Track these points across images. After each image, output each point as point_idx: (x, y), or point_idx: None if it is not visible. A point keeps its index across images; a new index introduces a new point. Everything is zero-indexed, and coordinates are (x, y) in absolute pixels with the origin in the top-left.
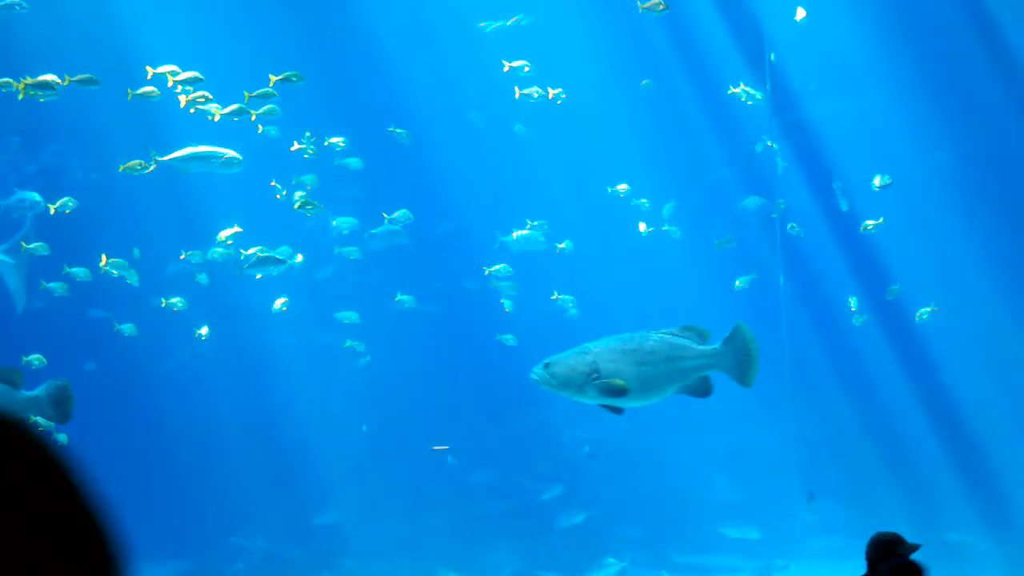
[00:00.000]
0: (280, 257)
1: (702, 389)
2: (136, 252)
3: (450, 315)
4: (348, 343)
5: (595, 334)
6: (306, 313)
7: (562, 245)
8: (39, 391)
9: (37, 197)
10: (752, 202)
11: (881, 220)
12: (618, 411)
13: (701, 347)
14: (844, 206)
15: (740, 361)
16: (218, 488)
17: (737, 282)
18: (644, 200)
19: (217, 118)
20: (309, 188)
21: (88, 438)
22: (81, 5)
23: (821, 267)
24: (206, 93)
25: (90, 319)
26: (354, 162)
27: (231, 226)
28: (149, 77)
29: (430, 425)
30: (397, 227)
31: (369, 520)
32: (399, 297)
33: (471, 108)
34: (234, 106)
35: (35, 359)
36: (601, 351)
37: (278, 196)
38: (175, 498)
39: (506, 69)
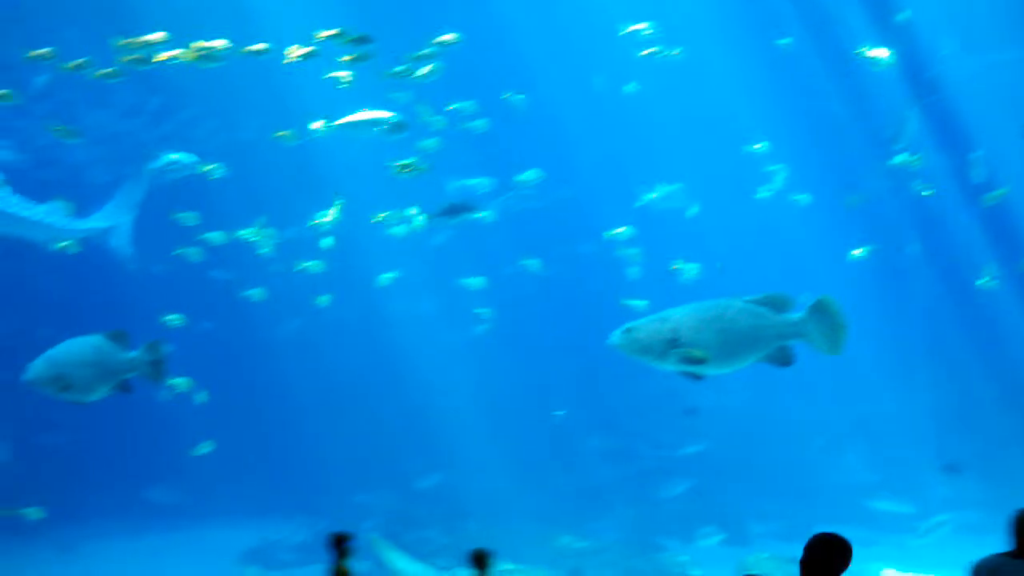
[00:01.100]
0: (469, 206)
1: (783, 358)
2: (262, 220)
3: (568, 280)
4: (475, 310)
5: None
6: (424, 278)
7: (689, 209)
8: (139, 352)
9: (190, 159)
10: (879, 169)
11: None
12: (698, 377)
13: (783, 316)
14: (980, 177)
15: (825, 331)
16: (345, 449)
17: (855, 252)
18: (780, 166)
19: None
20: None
21: (225, 398)
22: None
23: (956, 234)
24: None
25: (211, 281)
26: (480, 124)
27: (344, 195)
28: (293, 56)
29: (549, 390)
30: (528, 189)
31: (489, 483)
32: (524, 262)
33: (593, 72)
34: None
35: (174, 318)
36: (682, 318)
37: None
38: (305, 457)
39: (627, 31)
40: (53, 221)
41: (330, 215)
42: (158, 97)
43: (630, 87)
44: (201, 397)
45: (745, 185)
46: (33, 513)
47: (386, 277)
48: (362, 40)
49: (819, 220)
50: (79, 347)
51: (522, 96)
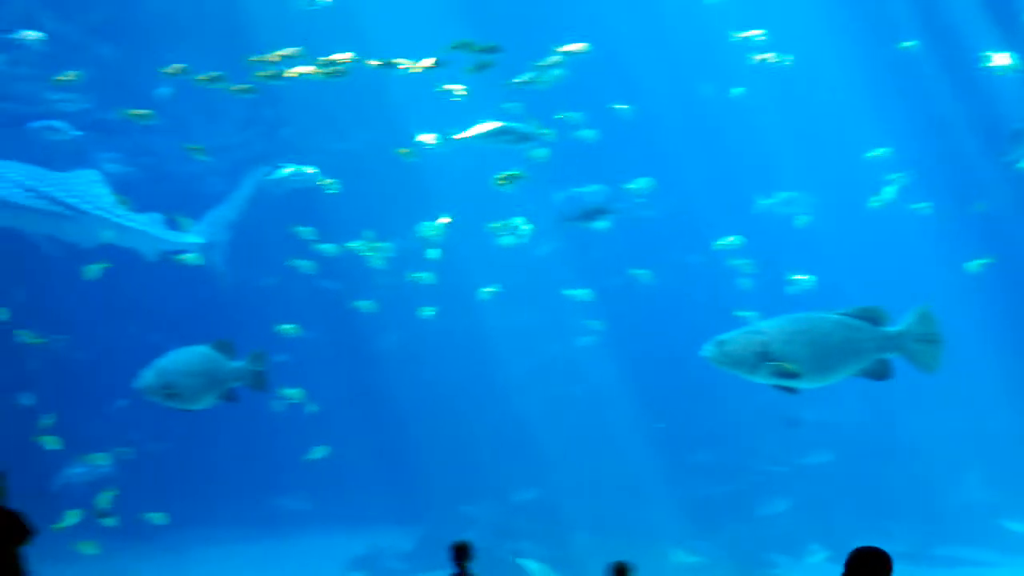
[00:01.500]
0: (605, 208)
1: (880, 372)
2: (370, 233)
3: (674, 290)
4: (582, 321)
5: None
6: (529, 290)
7: (801, 217)
8: (244, 361)
9: (308, 171)
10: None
11: None
12: (792, 391)
13: (879, 329)
14: None
15: (922, 345)
16: (451, 459)
17: (971, 264)
18: (898, 174)
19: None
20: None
21: (336, 408)
22: None
23: None
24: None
25: (319, 291)
26: (588, 134)
27: (449, 206)
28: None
29: (654, 403)
30: (641, 197)
31: (593, 496)
32: (633, 271)
33: (700, 80)
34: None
35: (289, 328)
36: (773, 331)
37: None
38: (413, 467)
39: (739, 38)
40: (154, 232)
41: (436, 227)
42: (271, 109)
43: (738, 90)
44: (311, 407)
45: (860, 193)
46: (156, 518)
47: (488, 290)
48: (491, 50)
49: (937, 229)
50: (187, 357)
51: (628, 106)
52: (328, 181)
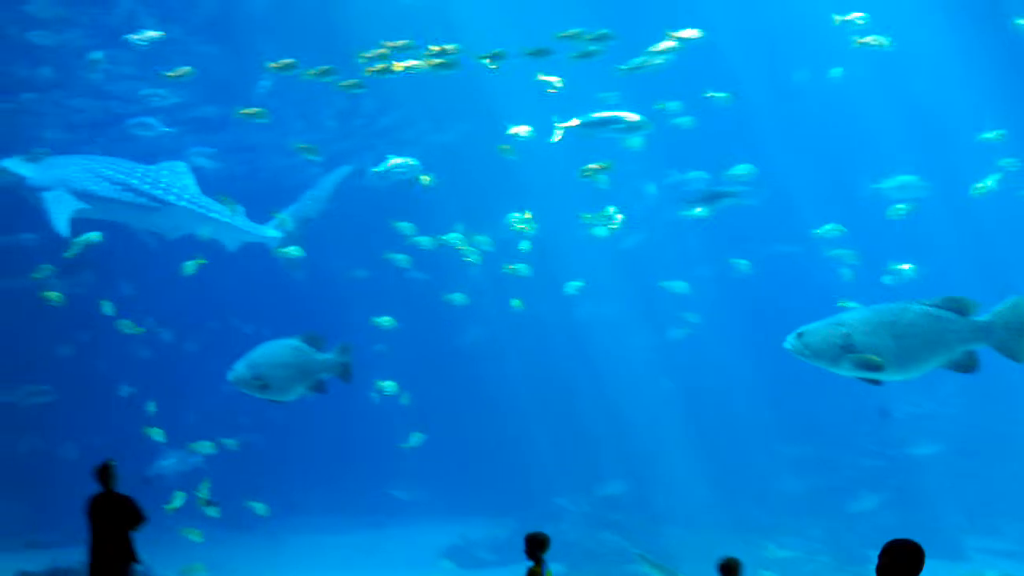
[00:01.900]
0: (729, 192)
1: (967, 364)
2: (461, 226)
3: (767, 281)
4: (678, 313)
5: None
6: (619, 281)
7: (901, 207)
8: (332, 354)
9: (411, 163)
10: None
11: None
12: (876, 383)
13: (966, 320)
14: None
15: (1013, 335)
16: (542, 452)
17: None
18: (1009, 160)
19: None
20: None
21: (430, 400)
22: None
23: None
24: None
25: (410, 283)
26: (685, 122)
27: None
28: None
29: (744, 395)
30: (745, 185)
31: (685, 489)
32: (734, 261)
33: (795, 66)
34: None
35: (383, 321)
36: (856, 323)
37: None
38: (508, 459)
39: (837, 22)
40: (237, 223)
41: (525, 219)
42: (368, 101)
43: (836, 71)
44: (405, 399)
45: (966, 179)
46: (259, 508)
47: (575, 284)
48: (602, 38)
49: None
50: (277, 349)
51: (724, 94)
52: (426, 178)
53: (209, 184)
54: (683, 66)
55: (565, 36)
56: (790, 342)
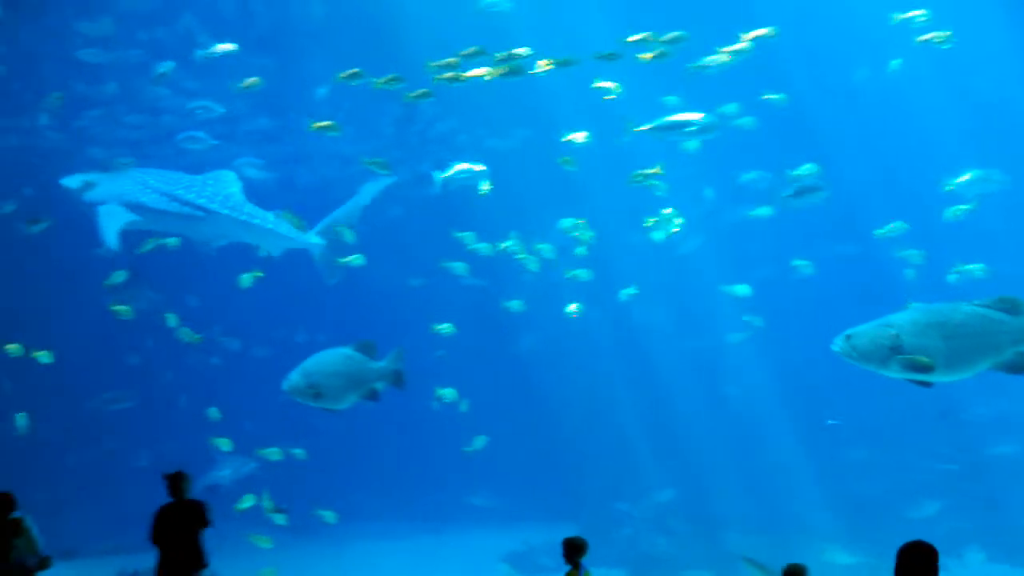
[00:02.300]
0: (816, 186)
1: (1019, 365)
2: (514, 233)
3: (828, 283)
4: (742, 317)
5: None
6: (677, 285)
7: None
8: (385, 362)
9: (476, 168)
10: None
11: None
12: (927, 385)
13: (1018, 320)
14: None
15: None
16: (601, 458)
17: None
18: None
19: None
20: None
21: (488, 406)
22: None
23: None
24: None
25: (466, 290)
26: (747, 122)
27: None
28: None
29: (810, 398)
30: (814, 182)
31: (747, 493)
32: (795, 263)
33: (854, 64)
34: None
35: (443, 328)
36: (905, 324)
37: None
38: (566, 465)
39: (896, 20)
40: (279, 230)
41: (580, 225)
42: (424, 108)
43: (895, 63)
44: (464, 406)
45: None
46: (327, 516)
47: (629, 291)
48: (676, 40)
49: None
50: (331, 358)
51: (781, 96)
52: (485, 185)
53: (266, 194)
54: (741, 66)
55: (634, 40)
56: (838, 344)
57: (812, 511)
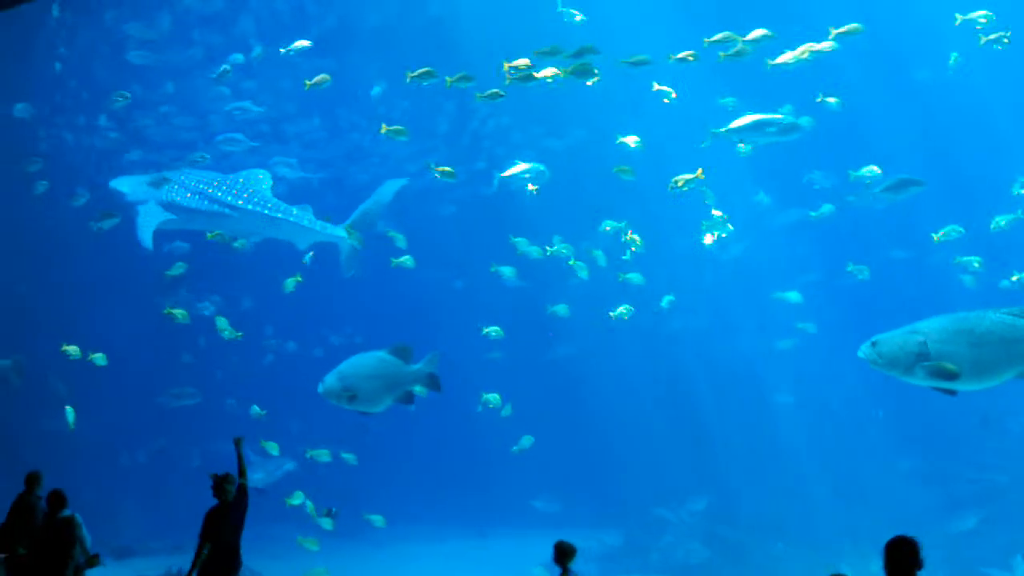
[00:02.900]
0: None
1: None
2: (556, 239)
3: (879, 287)
4: (795, 324)
5: None
6: (724, 291)
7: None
8: (420, 365)
9: (537, 168)
10: None
11: None
12: (952, 393)
13: None
14: None
15: None
16: (646, 464)
17: None
18: None
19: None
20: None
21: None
22: None
23: None
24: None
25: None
26: (805, 122)
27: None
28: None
29: (858, 408)
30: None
31: (798, 504)
32: (850, 268)
33: (915, 68)
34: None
35: (492, 331)
36: (931, 331)
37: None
38: (611, 471)
39: (958, 21)
40: (305, 224)
41: (624, 228)
42: (480, 107)
43: (953, 57)
44: (507, 411)
45: None
46: (377, 520)
47: (668, 299)
48: (764, 39)
49: None
50: (366, 361)
51: (836, 99)
52: (532, 187)
53: (314, 194)
54: (800, 67)
55: (713, 41)
56: (864, 350)
57: (864, 519)
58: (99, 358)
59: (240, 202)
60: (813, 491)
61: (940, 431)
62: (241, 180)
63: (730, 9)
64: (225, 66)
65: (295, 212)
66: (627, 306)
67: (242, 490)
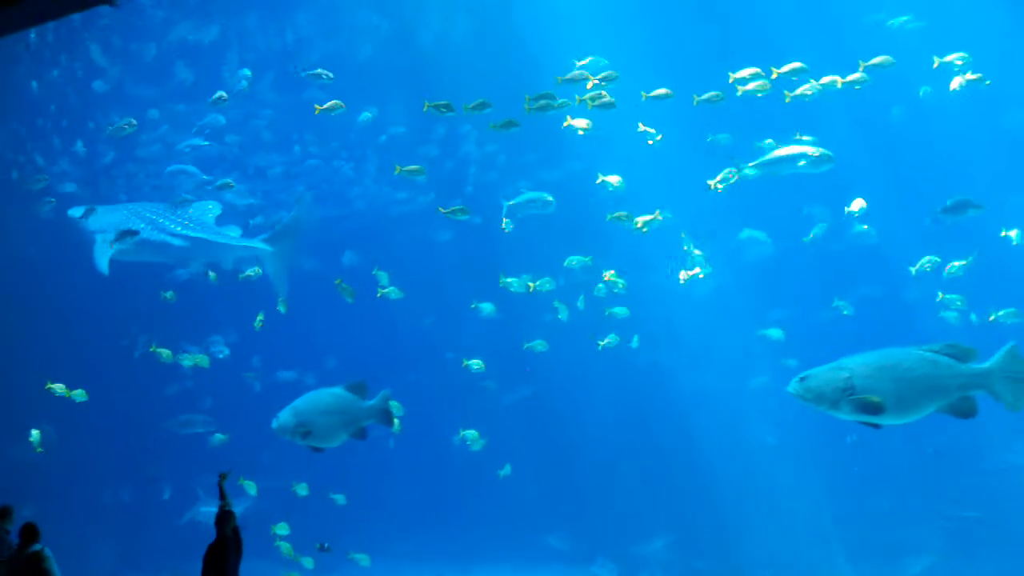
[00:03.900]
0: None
1: (965, 409)
2: (526, 276)
3: (851, 324)
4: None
5: None
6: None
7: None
8: (375, 401)
9: (544, 197)
10: None
11: None
12: (876, 427)
13: (965, 366)
14: None
15: (1010, 383)
16: (627, 498)
17: None
18: None
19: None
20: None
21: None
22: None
23: None
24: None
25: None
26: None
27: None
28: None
29: (832, 442)
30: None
31: (776, 533)
32: (836, 303)
33: (894, 103)
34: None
35: (474, 364)
36: (857, 367)
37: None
38: (591, 505)
39: (935, 65)
40: (230, 242)
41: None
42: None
43: (925, 90)
44: (477, 446)
45: None
46: (362, 560)
47: (637, 337)
48: (800, 71)
49: None
50: (322, 397)
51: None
52: (505, 221)
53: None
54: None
55: (738, 78)
56: (793, 386)
57: (833, 556)
58: (78, 394)
59: (179, 228)
60: (790, 526)
61: (915, 469)
62: (191, 210)
63: (710, 44)
64: (246, 70)
65: (226, 231)
66: (613, 335)
67: (236, 531)
